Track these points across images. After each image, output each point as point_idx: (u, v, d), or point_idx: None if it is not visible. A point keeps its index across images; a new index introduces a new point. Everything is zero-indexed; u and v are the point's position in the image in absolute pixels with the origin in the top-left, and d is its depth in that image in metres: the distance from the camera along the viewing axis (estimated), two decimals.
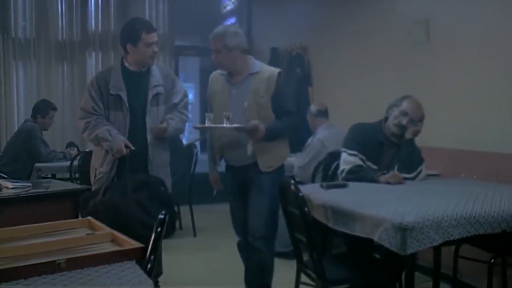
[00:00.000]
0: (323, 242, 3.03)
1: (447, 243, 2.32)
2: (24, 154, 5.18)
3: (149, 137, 3.24)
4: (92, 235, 1.87)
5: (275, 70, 3.17)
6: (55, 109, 5.51)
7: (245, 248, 3.30)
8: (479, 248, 3.09)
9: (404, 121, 3.20)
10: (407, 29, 4.51)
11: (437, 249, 3.23)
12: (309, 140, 4.66)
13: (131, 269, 1.56)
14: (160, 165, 3.30)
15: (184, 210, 5.47)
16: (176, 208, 5.08)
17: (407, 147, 3.21)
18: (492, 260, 2.88)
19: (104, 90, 3.23)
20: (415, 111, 3.21)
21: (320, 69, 5.95)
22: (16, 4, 6.55)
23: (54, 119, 5.56)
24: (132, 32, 3.21)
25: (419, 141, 3.29)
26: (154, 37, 3.24)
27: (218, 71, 3.27)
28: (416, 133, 3.23)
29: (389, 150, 3.27)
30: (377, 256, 3.07)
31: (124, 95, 3.21)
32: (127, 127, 3.21)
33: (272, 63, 5.65)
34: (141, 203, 2.87)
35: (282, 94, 3.14)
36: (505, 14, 3.65)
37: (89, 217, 2.08)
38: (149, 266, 1.61)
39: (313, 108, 4.83)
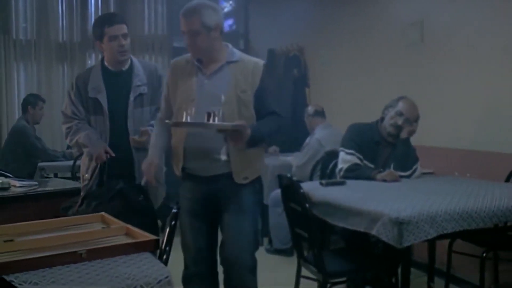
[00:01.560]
0: (322, 238, 3.13)
1: (441, 237, 2.45)
2: (21, 153, 5.28)
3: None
4: (107, 228, 1.98)
5: (260, 62, 2.63)
6: (43, 100, 5.63)
7: (200, 282, 2.66)
8: (471, 243, 3.22)
9: (400, 121, 3.30)
10: (402, 31, 4.62)
11: (431, 245, 3.36)
12: (307, 140, 4.78)
13: (148, 259, 1.67)
14: None
15: None
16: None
17: (402, 146, 3.30)
18: (484, 254, 3.00)
19: (83, 93, 3.04)
20: (411, 112, 3.31)
21: (316, 70, 6.04)
22: (17, 5, 6.59)
23: (44, 111, 5.66)
24: (96, 28, 3.05)
25: (414, 140, 3.39)
26: (118, 29, 2.98)
27: (183, 57, 2.66)
28: (411, 133, 3.32)
29: (385, 149, 3.37)
30: (374, 251, 3.18)
31: (102, 97, 3.00)
32: (108, 132, 3.01)
33: (269, 64, 5.74)
34: (116, 213, 2.46)
35: (267, 91, 2.58)
36: (497, 16, 3.77)
37: (102, 212, 2.18)
38: (164, 256, 1.72)
39: (310, 109, 4.97)
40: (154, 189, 3.01)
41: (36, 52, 6.69)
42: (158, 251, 1.81)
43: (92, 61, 6.95)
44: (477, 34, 3.92)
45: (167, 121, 2.52)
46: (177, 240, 1.89)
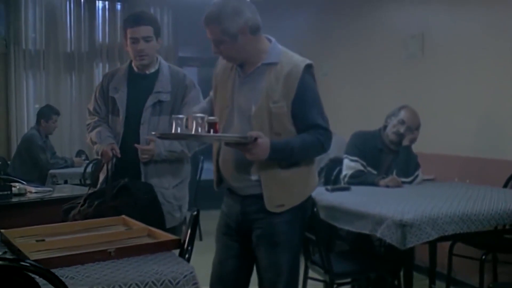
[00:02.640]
0: (329, 241, 3.25)
1: (442, 239, 2.58)
2: (27, 160, 5.44)
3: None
4: (130, 229, 2.10)
5: (301, 63, 2.18)
6: (57, 113, 5.76)
7: None
8: (471, 246, 3.35)
9: (402, 129, 3.42)
10: (403, 43, 4.77)
11: (432, 248, 3.48)
12: None
13: (171, 257, 1.80)
14: (155, 185, 2.78)
15: None
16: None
17: (404, 153, 3.43)
18: (484, 257, 3.12)
19: (106, 91, 2.92)
20: (412, 120, 3.44)
21: (319, 79, 6.09)
22: (26, 16, 6.75)
23: (57, 123, 5.81)
24: (123, 29, 2.89)
25: (415, 147, 3.51)
26: (138, 31, 2.78)
27: None
28: (413, 141, 3.45)
29: (388, 156, 3.50)
30: (377, 253, 3.30)
31: (119, 98, 2.85)
32: (121, 135, 2.84)
33: None
34: (120, 211, 2.39)
35: (308, 100, 2.17)
36: (496, 28, 3.91)
37: (123, 216, 2.31)
38: (187, 256, 1.85)
39: None
40: (165, 207, 2.82)
41: (45, 62, 6.86)
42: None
43: (99, 70, 7.11)
44: (476, 45, 4.06)
45: (153, 133, 2.24)
46: (197, 243, 2.01)
